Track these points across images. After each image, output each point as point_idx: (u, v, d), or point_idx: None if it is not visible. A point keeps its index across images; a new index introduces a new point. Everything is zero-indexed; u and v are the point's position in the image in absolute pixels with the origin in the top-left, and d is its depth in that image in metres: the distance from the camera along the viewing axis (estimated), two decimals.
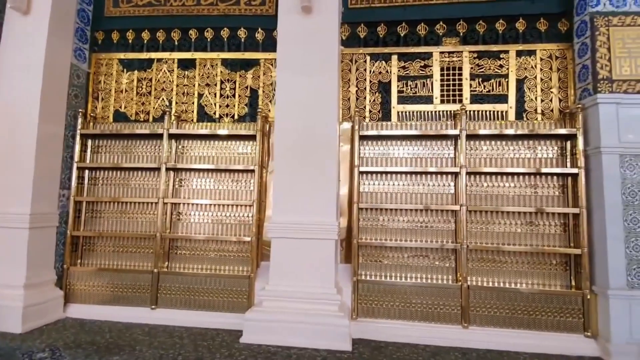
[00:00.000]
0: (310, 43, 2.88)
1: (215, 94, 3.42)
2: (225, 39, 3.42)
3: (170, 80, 3.47)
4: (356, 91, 3.26)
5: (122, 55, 3.53)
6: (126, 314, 3.05)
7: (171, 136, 3.23)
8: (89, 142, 3.38)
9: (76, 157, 3.27)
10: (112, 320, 3.00)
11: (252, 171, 3.15)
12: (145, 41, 3.51)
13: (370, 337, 2.78)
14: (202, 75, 3.44)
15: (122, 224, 3.30)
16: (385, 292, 2.91)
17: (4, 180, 2.89)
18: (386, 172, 3.06)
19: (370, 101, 3.24)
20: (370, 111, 3.23)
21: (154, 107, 3.46)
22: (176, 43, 3.48)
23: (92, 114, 3.43)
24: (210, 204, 3.22)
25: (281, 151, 2.86)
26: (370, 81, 3.26)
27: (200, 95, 3.43)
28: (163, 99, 3.45)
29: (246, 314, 2.71)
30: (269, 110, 3.34)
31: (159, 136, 3.27)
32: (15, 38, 3.05)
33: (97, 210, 3.34)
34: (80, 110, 3.32)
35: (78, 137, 3.28)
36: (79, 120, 3.28)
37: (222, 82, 3.41)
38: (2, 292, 2.76)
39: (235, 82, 3.40)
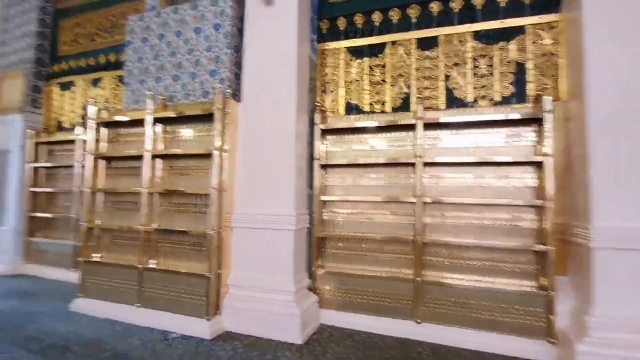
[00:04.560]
0: None
1: (465, 74, 2.90)
2: (479, 7, 2.88)
3: (407, 64, 3.07)
4: None
5: (350, 43, 3.25)
6: (386, 325, 2.73)
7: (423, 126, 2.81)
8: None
9: (317, 155, 3.08)
10: (376, 333, 2.70)
11: (537, 164, 2.54)
12: (377, 23, 3.17)
13: None
14: (448, 53, 2.95)
15: (363, 225, 3.01)
16: None
17: (268, 180, 2.79)
18: None
19: None
20: None
21: (390, 96, 3.10)
22: (414, 20, 3.06)
23: (322, 108, 3.23)
24: (476, 204, 2.71)
25: (599, 135, 2.20)
26: None
27: (447, 77, 2.95)
28: (401, 85, 3.07)
29: (577, 346, 2.11)
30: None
31: (403, 127, 2.90)
32: (259, 32, 2.95)
33: (331, 211, 3.12)
34: (317, 104, 3.13)
35: (318, 134, 3.09)
36: (318, 116, 3.09)
37: (474, 59, 2.88)
38: (273, 297, 2.65)
39: (492, 58, 2.84)
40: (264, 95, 2.87)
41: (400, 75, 3.08)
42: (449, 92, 2.93)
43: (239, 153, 2.92)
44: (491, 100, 2.82)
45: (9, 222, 4.52)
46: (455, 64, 2.93)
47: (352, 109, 3.22)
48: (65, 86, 4.69)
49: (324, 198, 3.06)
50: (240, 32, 3.07)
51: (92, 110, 3.22)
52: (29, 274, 4.39)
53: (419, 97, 2.88)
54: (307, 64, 3.05)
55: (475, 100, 2.86)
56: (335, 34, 3.31)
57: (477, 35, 2.88)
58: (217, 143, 2.73)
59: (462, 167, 2.78)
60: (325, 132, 3.15)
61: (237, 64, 3.05)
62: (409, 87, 3.05)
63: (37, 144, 4.60)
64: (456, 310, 2.63)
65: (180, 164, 3.02)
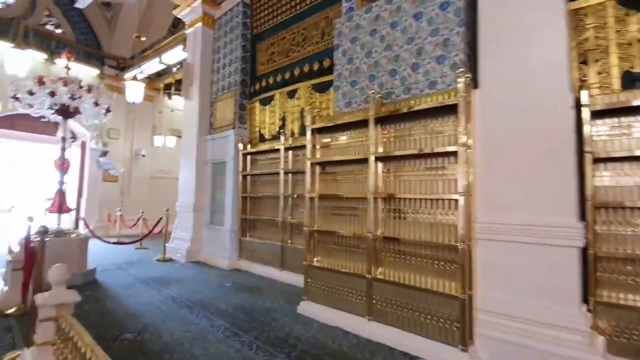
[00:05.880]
0: None
1: None
2: None
3: None
4: None
5: None
6: None
7: None
8: None
9: (586, 146, 2.32)
10: None
11: None
12: None
13: None
14: None
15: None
16: None
17: (530, 181, 2.22)
18: None
19: None
20: None
21: None
22: None
23: (586, 84, 2.44)
24: None
25: None
26: None
27: None
28: None
29: None
30: None
31: None
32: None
33: (611, 221, 2.29)
34: (584, 79, 2.38)
35: (587, 118, 2.33)
36: (585, 94, 2.33)
37: None
38: (551, 334, 2.04)
39: None
40: (516, 75, 2.32)
41: None
42: None
43: (479, 149, 2.44)
44: None
45: (227, 223, 5.26)
46: None
47: (633, 80, 2.32)
48: (264, 101, 5.20)
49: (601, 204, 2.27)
50: (470, 6, 2.60)
51: (308, 117, 3.29)
52: (243, 269, 4.99)
53: None
54: (567, 27, 2.34)
55: None
56: None
57: None
58: (462, 139, 2.32)
59: None
60: (595, 115, 2.36)
61: (470, 45, 2.58)
62: None
63: (244, 154, 5.23)
64: None
65: (403, 165, 2.74)
